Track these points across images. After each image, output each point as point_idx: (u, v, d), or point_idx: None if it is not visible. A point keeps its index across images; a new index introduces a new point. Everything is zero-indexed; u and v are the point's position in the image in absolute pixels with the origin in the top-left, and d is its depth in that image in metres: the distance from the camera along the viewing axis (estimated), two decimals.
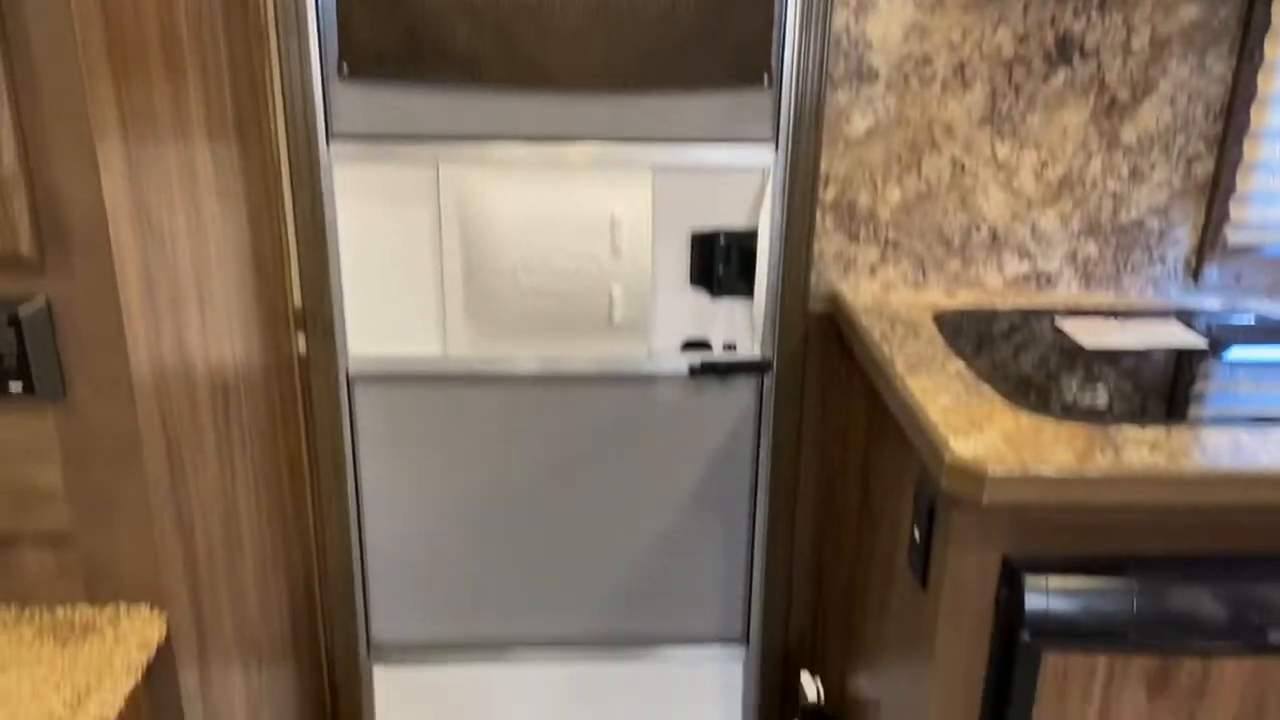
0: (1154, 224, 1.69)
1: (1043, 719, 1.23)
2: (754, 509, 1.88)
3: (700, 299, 1.73)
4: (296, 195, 1.62)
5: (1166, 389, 1.38)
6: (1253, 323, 1.62)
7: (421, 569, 1.89)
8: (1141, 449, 1.18)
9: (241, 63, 1.43)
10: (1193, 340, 1.53)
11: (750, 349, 1.76)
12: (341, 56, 1.56)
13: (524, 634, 1.95)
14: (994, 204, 1.68)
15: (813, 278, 1.73)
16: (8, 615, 1.09)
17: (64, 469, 1.07)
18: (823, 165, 1.67)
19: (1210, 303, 1.70)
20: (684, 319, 1.75)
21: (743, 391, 1.80)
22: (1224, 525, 1.21)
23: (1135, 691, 1.22)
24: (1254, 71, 1.59)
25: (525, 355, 1.75)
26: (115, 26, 1.03)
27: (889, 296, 1.73)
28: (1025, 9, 1.58)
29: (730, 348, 1.75)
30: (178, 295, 1.20)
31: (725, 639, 1.97)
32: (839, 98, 1.62)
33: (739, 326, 1.75)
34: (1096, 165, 1.66)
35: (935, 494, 1.25)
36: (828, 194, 1.68)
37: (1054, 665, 1.21)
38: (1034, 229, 1.70)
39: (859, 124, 1.64)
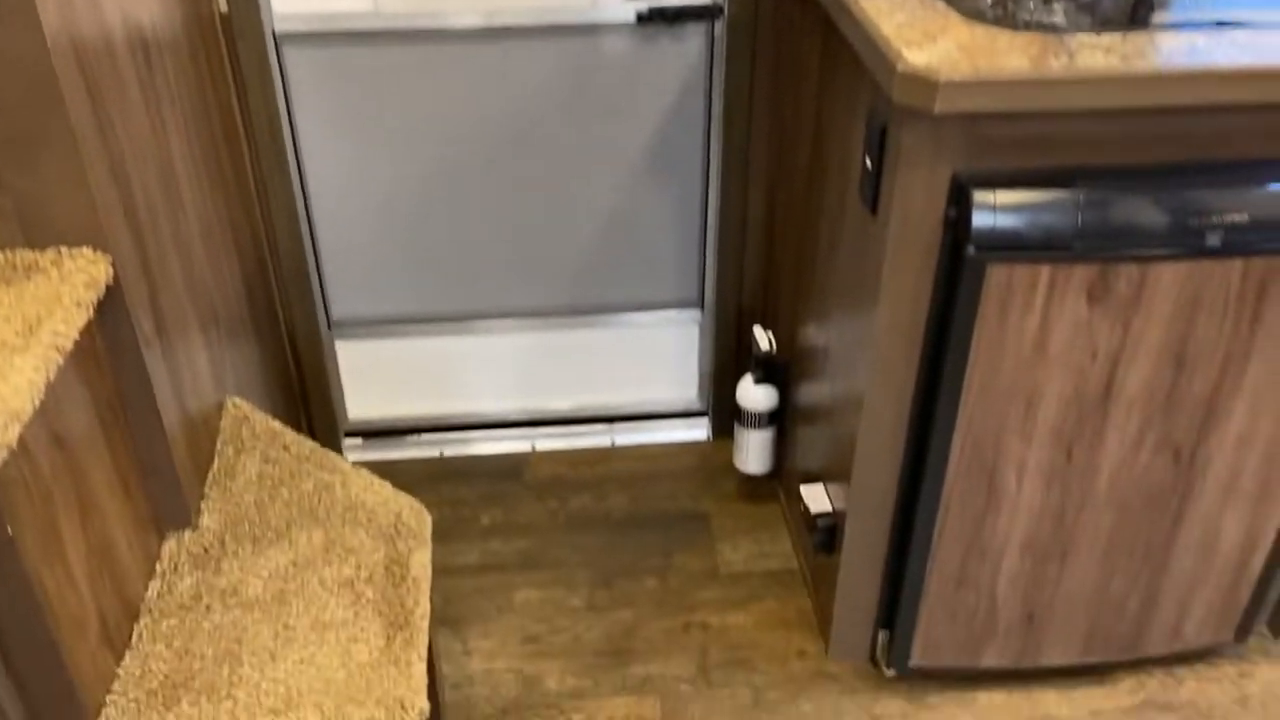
0: None
1: (984, 335, 1.28)
2: (707, 170, 1.86)
3: None
4: None
5: (1127, 3, 1.34)
6: None
7: (374, 243, 1.88)
8: (1096, 53, 1.15)
9: None
10: None
11: None
12: None
13: (484, 306, 1.97)
14: None
15: None
16: None
17: None
18: None
19: None
20: None
21: (693, 40, 1.73)
22: (1170, 134, 1.21)
23: (1076, 301, 1.26)
24: None
25: (462, 7, 1.65)
26: None
27: None
28: None
29: None
30: None
31: (682, 302, 2.01)
32: None
33: None
34: None
35: (887, 116, 1.23)
36: None
37: (998, 278, 1.24)
38: None
39: None
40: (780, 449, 1.92)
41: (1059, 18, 1.33)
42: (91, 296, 1.05)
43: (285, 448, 1.44)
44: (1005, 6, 1.34)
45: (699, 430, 2.13)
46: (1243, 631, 1.63)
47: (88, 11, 1.12)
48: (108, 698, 1.10)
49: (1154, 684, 1.64)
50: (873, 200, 1.30)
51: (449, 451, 2.08)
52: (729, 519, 1.94)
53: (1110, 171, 1.22)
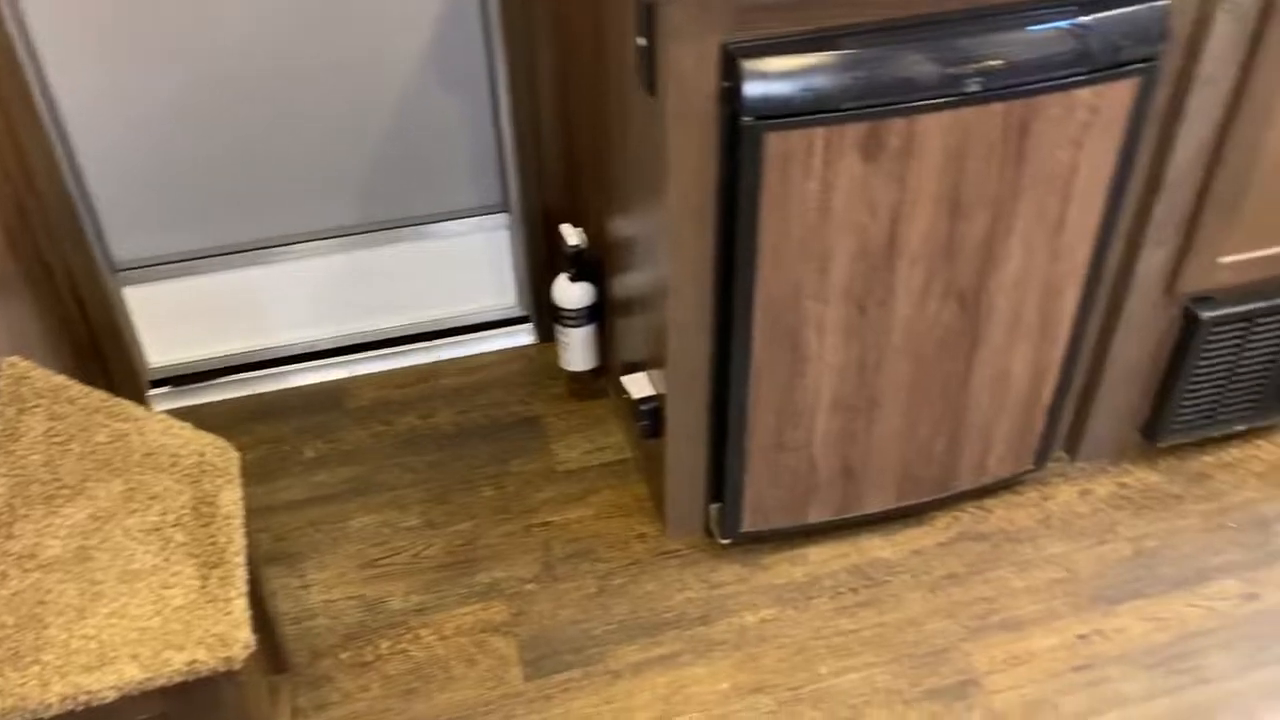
0: None
1: (770, 203, 1.31)
2: (492, 69, 1.81)
3: None
4: None
5: None
6: None
7: (149, 175, 1.76)
8: None
9: None
10: None
11: None
12: None
13: (279, 232, 1.89)
14: None
15: None
16: None
17: None
18: None
19: None
20: None
21: None
22: None
23: (851, 160, 1.29)
24: None
25: None
26: None
27: None
28: None
29: None
30: None
31: (487, 208, 1.98)
32: None
33: None
34: None
35: None
36: None
37: (775, 145, 1.26)
38: None
39: None
40: (604, 343, 1.93)
41: None
42: None
43: (71, 401, 1.36)
44: None
45: (523, 336, 2.12)
46: (1041, 458, 1.76)
47: None
48: None
49: (966, 517, 1.75)
50: (649, 80, 1.29)
51: (263, 388, 2.01)
52: (561, 419, 1.95)
53: (871, 29, 1.25)
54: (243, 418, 1.95)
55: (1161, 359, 1.73)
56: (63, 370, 1.62)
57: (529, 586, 1.66)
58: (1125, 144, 1.40)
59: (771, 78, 1.22)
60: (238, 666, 1.08)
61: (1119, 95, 1.35)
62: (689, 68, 1.23)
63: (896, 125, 1.28)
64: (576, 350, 1.91)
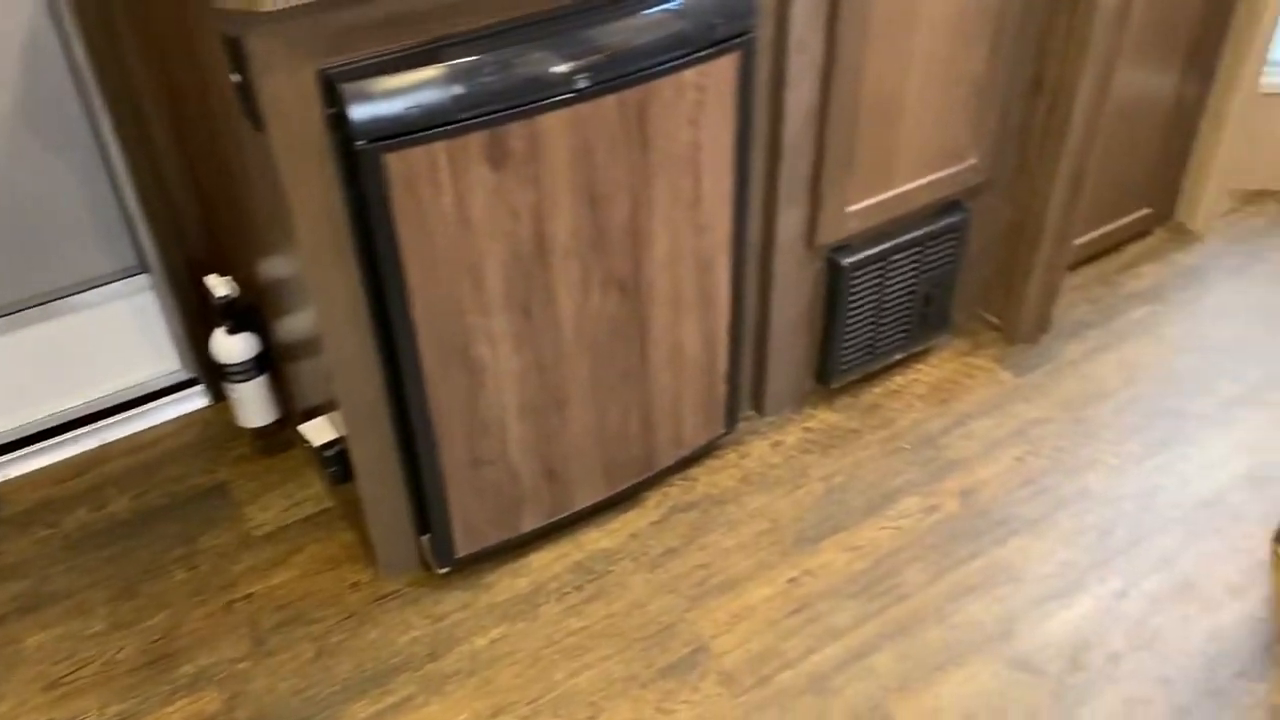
0: None
1: (406, 224, 1.27)
2: (94, 122, 1.66)
3: None
4: None
5: None
6: None
7: None
8: None
9: None
10: None
11: None
12: None
13: None
14: None
15: None
16: None
17: None
18: None
19: None
20: None
21: None
22: None
23: (479, 169, 1.28)
24: None
25: None
26: None
27: None
28: None
29: None
30: None
31: (124, 271, 1.82)
32: None
33: None
34: None
35: (234, 25, 1.14)
36: None
37: (397, 167, 1.23)
38: None
39: None
40: (280, 393, 1.83)
41: None
42: None
43: None
44: None
45: (194, 400, 1.97)
46: (731, 420, 1.83)
47: None
48: None
49: (675, 491, 1.80)
50: (253, 116, 1.22)
51: None
52: (250, 481, 1.84)
53: (473, 37, 1.24)
54: None
55: (818, 308, 1.85)
56: None
57: (241, 666, 1.54)
58: (739, 116, 1.47)
59: (378, 99, 1.19)
60: None
61: (723, 71, 1.42)
62: (289, 99, 1.17)
63: (517, 129, 1.28)
64: (251, 405, 1.79)
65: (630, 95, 1.34)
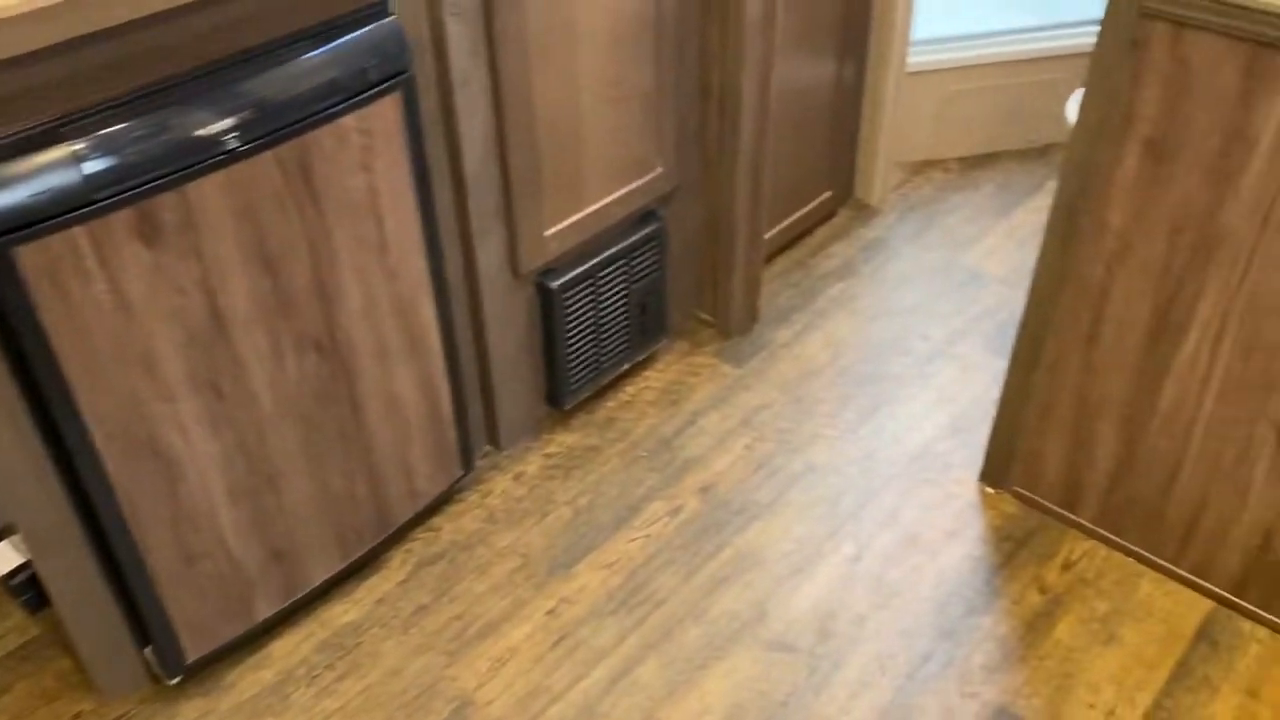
0: None
1: (54, 320, 1.16)
2: None
3: None
4: None
5: None
6: None
7: None
8: None
9: None
10: None
11: None
12: None
13: None
14: None
15: None
16: None
17: None
18: None
19: None
20: None
21: None
22: (149, 50, 1.15)
23: (132, 248, 1.19)
24: None
25: None
26: None
27: None
28: None
29: None
30: None
31: None
32: None
33: None
34: None
35: None
36: None
37: (32, 260, 1.11)
38: None
39: None
40: None
41: None
42: None
43: None
44: None
45: None
46: (468, 461, 1.80)
47: None
48: None
49: (418, 546, 1.75)
50: None
51: None
52: None
53: (100, 110, 1.14)
54: None
55: (537, 333, 1.85)
56: None
57: None
58: (413, 155, 1.44)
59: (3, 187, 1.07)
60: None
61: (386, 113, 1.38)
62: None
63: (168, 200, 1.19)
64: None
65: (288, 149, 1.28)
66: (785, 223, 2.32)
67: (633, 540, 1.76)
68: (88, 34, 1.08)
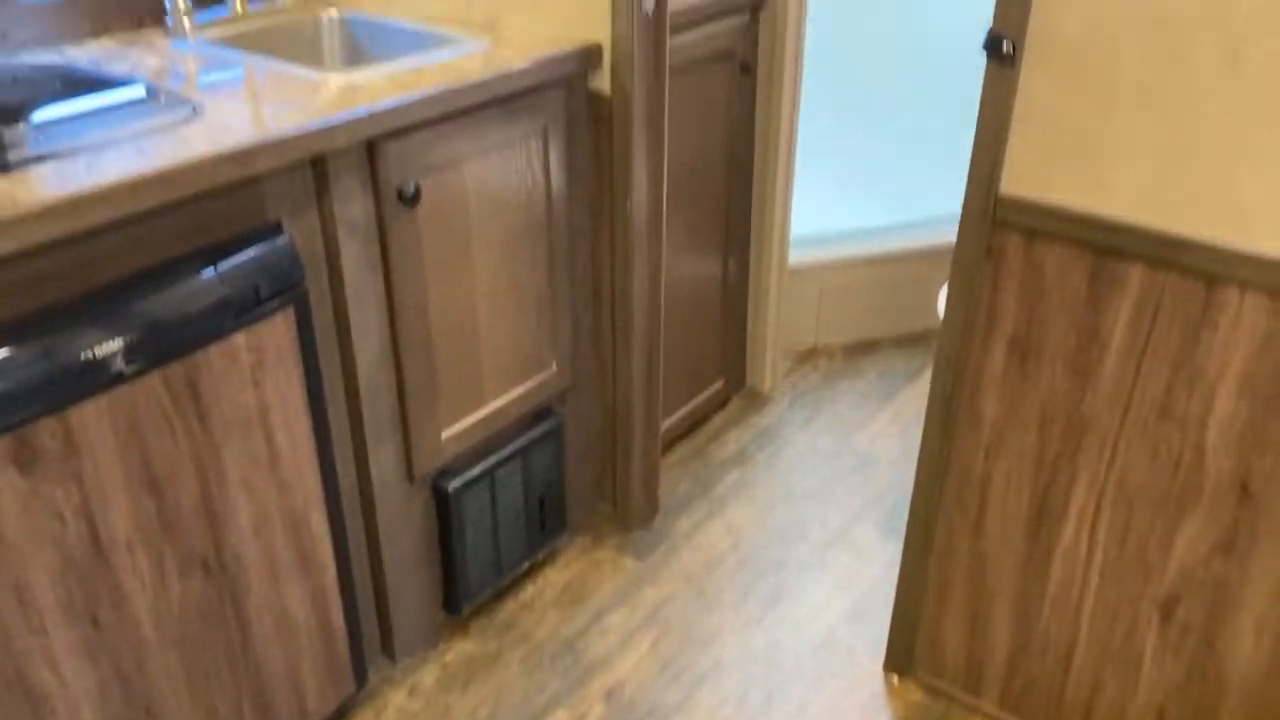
0: None
1: None
2: None
3: None
4: None
5: None
6: (39, 73, 1.54)
7: None
8: None
9: None
10: None
11: None
12: None
13: None
14: None
15: None
16: None
17: None
18: None
19: None
20: None
21: None
22: (31, 276, 1.15)
23: (6, 476, 1.14)
24: None
25: None
26: None
27: None
28: None
29: None
30: None
31: None
32: None
33: None
34: None
35: None
36: None
37: None
38: None
39: None
40: None
41: None
42: None
43: None
44: None
45: None
46: (361, 677, 1.72)
47: None
48: None
49: None
50: None
51: None
52: None
53: None
54: None
55: (433, 537, 1.82)
56: None
57: None
58: (305, 369, 1.44)
59: None
60: None
61: (278, 329, 1.39)
62: None
63: (46, 426, 1.16)
64: None
65: (175, 369, 1.27)
66: (681, 412, 2.36)
67: None
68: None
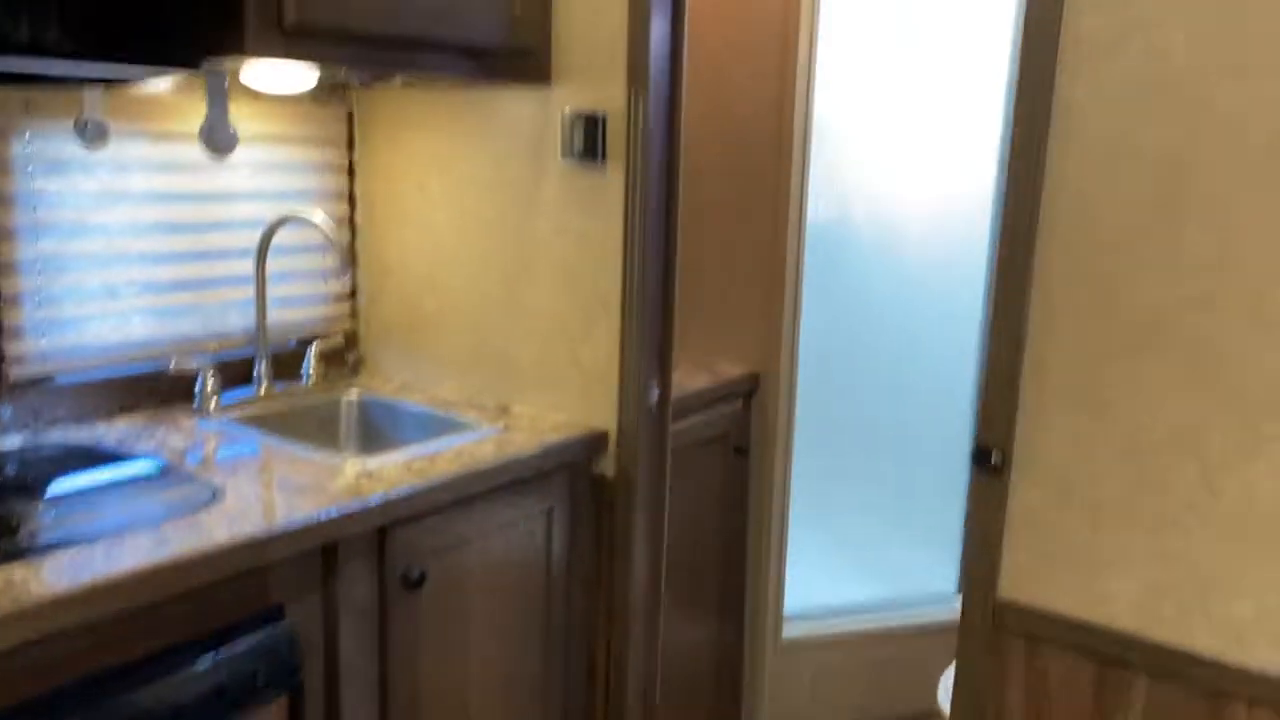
0: None
1: None
2: None
3: None
4: None
5: None
6: (62, 452, 1.60)
7: None
8: None
9: None
10: None
11: None
12: None
13: None
14: None
15: None
16: None
17: None
18: None
19: (10, 442, 1.62)
20: None
21: None
22: (12, 674, 1.13)
23: None
24: None
25: None
26: None
27: None
28: None
29: None
30: None
31: None
32: None
33: None
34: None
35: None
36: None
37: None
38: None
39: None
40: None
41: None
42: None
43: None
44: None
45: None
46: None
47: None
48: None
49: None
50: None
51: None
52: None
53: None
54: None
55: None
56: None
57: None
58: None
59: None
60: None
61: (270, 716, 1.35)
62: None
63: None
64: None
65: None
66: None
67: None
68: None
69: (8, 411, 1.61)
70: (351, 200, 2.05)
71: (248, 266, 1.86)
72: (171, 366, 1.77)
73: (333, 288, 2.03)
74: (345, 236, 2.03)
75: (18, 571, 1.16)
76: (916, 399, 2.73)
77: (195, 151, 1.78)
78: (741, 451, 2.27)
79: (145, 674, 1.23)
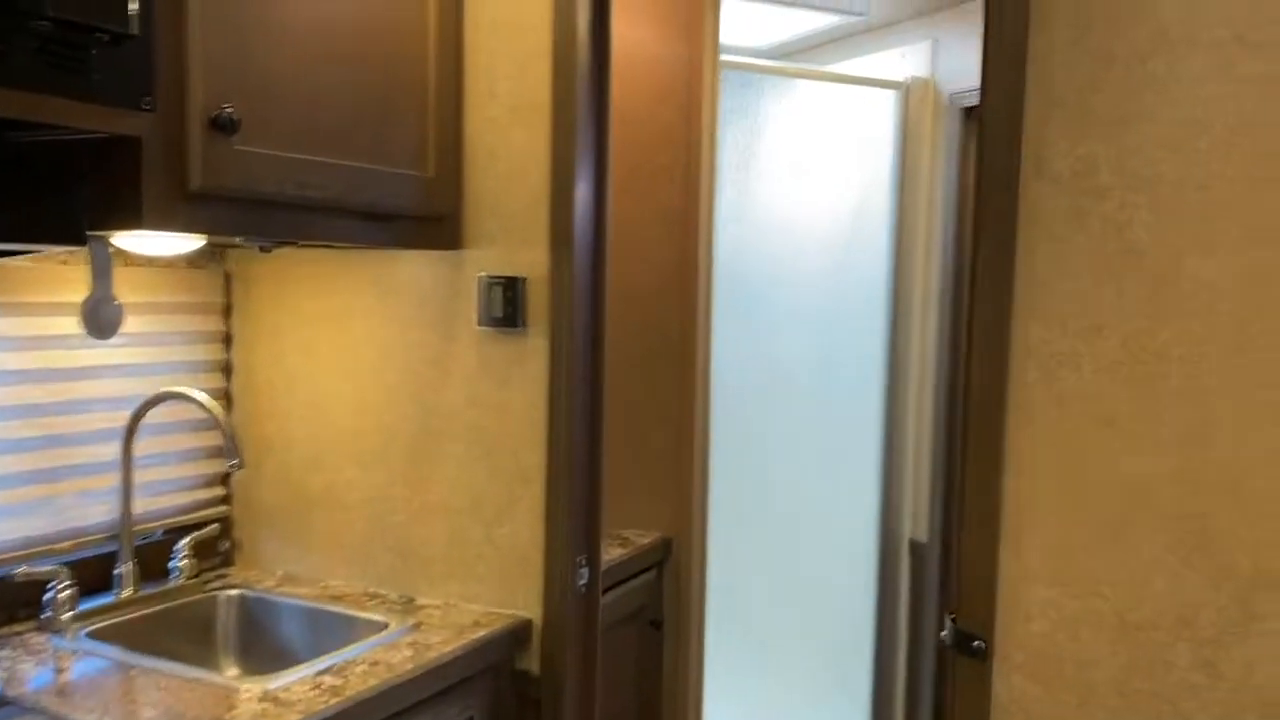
0: None
1: None
2: None
3: None
4: None
5: None
6: None
7: None
8: None
9: None
10: None
11: None
12: None
13: None
14: None
15: None
16: None
17: None
18: None
19: None
20: None
21: None
22: None
23: None
24: None
25: None
26: None
27: None
28: None
29: None
30: None
31: None
32: None
33: None
34: None
35: None
36: None
37: None
38: None
39: None
40: None
41: None
42: None
43: None
44: None
45: None
46: None
47: None
48: None
49: None
50: None
51: None
52: None
53: None
54: None
55: None
56: None
57: None
58: None
59: None
60: None
61: None
62: None
63: None
64: None
65: None
66: None
67: None
68: None
69: None
70: (228, 370, 1.85)
71: (112, 450, 1.62)
72: (17, 574, 1.50)
73: (202, 470, 1.80)
74: (220, 411, 1.82)
75: None
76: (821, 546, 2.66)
77: (71, 324, 1.56)
78: (657, 625, 2.12)
79: None
